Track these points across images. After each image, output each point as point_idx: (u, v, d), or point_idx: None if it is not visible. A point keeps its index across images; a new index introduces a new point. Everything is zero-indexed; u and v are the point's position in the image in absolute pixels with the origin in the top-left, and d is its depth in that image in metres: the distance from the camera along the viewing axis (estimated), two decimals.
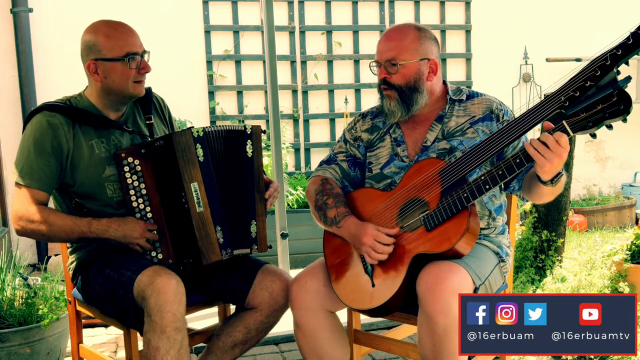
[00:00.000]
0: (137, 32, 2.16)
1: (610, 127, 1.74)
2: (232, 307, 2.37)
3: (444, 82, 2.22)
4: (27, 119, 2.15)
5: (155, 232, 2.13)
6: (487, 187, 1.89)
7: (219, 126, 2.21)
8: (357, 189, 2.24)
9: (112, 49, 2.09)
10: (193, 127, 2.14)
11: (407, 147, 2.18)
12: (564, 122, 1.76)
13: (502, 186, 2.14)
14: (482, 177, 1.89)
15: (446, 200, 1.93)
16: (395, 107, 2.12)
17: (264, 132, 2.32)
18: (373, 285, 2.01)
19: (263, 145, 2.57)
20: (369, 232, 2.01)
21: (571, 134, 1.76)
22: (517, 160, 1.84)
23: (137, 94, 2.17)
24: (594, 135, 1.79)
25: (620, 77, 1.77)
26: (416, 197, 2.02)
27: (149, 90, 2.29)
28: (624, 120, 1.71)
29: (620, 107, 1.69)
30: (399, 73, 2.09)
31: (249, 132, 2.23)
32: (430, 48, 2.12)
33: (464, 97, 2.17)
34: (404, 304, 2.03)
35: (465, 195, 1.90)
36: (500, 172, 1.87)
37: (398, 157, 2.18)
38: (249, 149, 2.22)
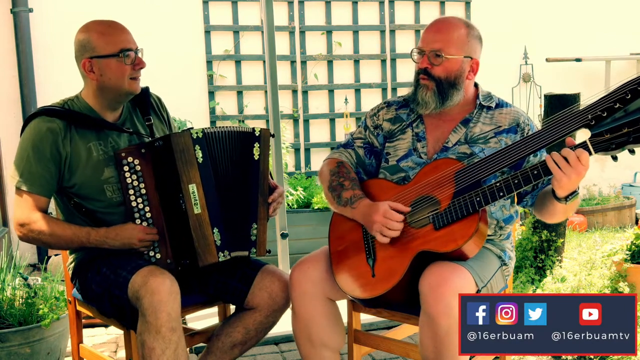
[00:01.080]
0: (129, 30, 2.16)
1: (632, 151, 1.73)
2: (232, 307, 2.37)
3: (475, 85, 2.20)
4: (24, 124, 2.16)
5: (153, 223, 2.13)
6: (501, 194, 1.88)
7: (223, 127, 2.20)
8: (370, 178, 2.23)
9: (106, 46, 2.09)
10: (193, 128, 2.13)
11: (427, 144, 2.16)
12: (587, 140, 1.76)
13: (515, 199, 2.14)
14: (498, 184, 1.88)
15: (458, 201, 1.92)
16: (430, 98, 2.10)
17: (273, 135, 2.31)
18: (373, 276, 2.00)
19: None
20: (380, 210, 1.99)
21: (593, 153, 1.76)
22: (535, 172, 1.84)
23: (133, 91, 2.17)
24: (615, 158, 1.77)
25: None
26: (429, 194, 2.01)
27: (146, 90, 2.29)
28: None
29: None
30: (442, 65, 2.07)
31: (257, 135, 2.22)
32: (476, 47, 2.11)
33: (493, 105, 2.15)
34: (404, 301, 2.03)
35: (478, 199, 1.89)
36: (516, 181, 1.86)
37: (417, 152, 2.16)
38: (255, 152, 2.21)
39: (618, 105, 1.76)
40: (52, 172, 2.10)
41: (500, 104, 2.17)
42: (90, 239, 2.09)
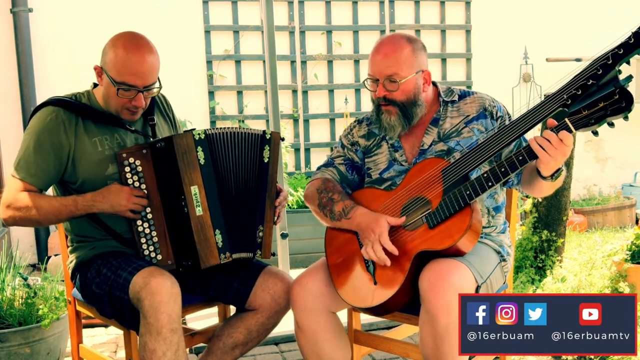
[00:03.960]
0: (154, 64, 2.09)
1: (611, 124, 1.77)
2: (232, 308, 2.37)
3: (434, 84, 2.22)
4: (32, 113, 2.15)
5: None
6: (490, 184, 1.90)
7: (227, 129, 2.18)
8: (358, 189, 2.24)
9: (113, 70, 2.07)
10: (195, 129, 2.12)
11: (404, 151, 2.18)
12: (566, 119, 1.80)
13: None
14: (485, 174, 1.91)
15: (449, 197, 1.94)
16: (395, 121, 2.12)
17: (283, 139, 2.31)
18: (375, 284, 2.01)
19: None
20: (380, 225, 1.99)
21: (574, 130, 1.79)
22: (520, 158, 1.86)
23: (125, 119, 2.17)
24: (595, 133, 1.82)
25: (621, 76, 1.80)
26: (418, 196, 2.02)
27: None
28: (626, 118, 1.74)
29: (622, 104, 1.73)
30: (399, 90, 2.08)
31: (267, 138, 2.21)
32: (423, 59, 2.12)
33: (456, 98, 2.18)
34: (408, 303, 2.03)
35: (468, 192, 1.91)
36: (503, 169, 1.88)
37: (397, 162, 2.18)
38: (265, 154, 2.21)
39: (591, 81, 1.81)
40: (50, 164, 2.09)
41: (463, 95, 2.19)
42: (78, 205, 2.08)
